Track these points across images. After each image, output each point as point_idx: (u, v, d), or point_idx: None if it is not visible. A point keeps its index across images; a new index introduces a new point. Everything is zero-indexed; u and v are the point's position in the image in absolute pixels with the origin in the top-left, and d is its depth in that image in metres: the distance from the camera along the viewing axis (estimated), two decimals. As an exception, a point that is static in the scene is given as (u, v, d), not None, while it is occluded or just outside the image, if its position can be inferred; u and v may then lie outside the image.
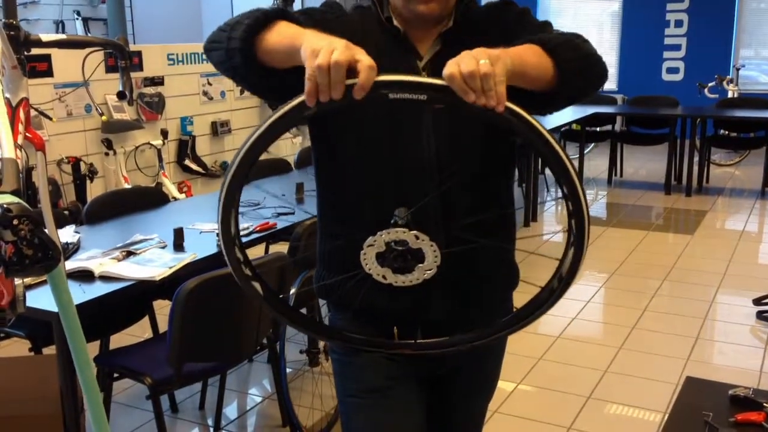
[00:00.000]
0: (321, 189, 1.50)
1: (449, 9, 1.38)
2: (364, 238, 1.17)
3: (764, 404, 1.73)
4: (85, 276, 2.35)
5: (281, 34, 1.22)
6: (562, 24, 10.42)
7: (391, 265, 1.16)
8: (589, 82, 1.32)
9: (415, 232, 1.13)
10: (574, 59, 1.26)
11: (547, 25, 1.44)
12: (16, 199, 0.90)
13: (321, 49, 1.05)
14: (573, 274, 1.12)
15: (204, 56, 6.28)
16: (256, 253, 3.22)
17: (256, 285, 1.24)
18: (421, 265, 1.16)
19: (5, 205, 0.88)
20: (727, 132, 7.55)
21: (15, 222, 0.88)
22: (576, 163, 7.02)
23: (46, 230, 0.91)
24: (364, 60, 1.04)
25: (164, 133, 5.20)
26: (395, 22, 1.39)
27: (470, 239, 1.31)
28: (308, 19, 1.37)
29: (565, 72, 1.24)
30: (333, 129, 1.42)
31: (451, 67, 1.06)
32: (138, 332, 3.29)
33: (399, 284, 1.18)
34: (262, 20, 1.24)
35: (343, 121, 1.38)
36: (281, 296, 1.40)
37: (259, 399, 3.30)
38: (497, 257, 1.47)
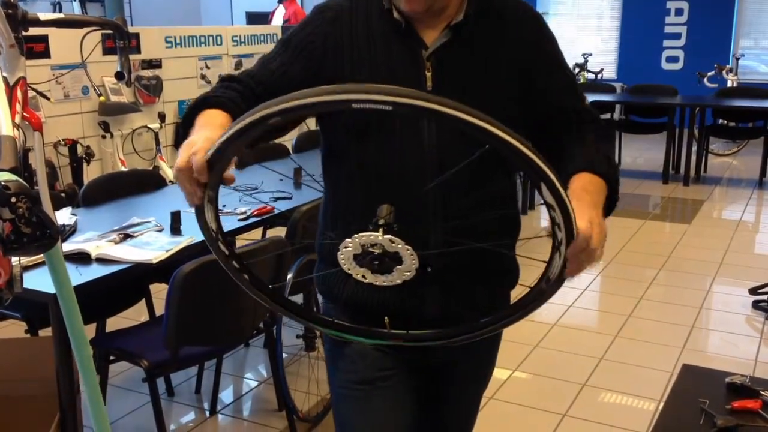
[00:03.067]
0: (325, 183, 1.51)
1: (445, 3, 1.35)
2: (354, 234, 1.17)
3: (761, 392, 1.73)
4: (81, 258, 2.34)
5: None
6: (562, 12, 10.37)
7: (369, 266, 1.16)
8: None
9: (389, 236, 1.12)
10: (617, 194, 1.34)
11: (574, 83, 1.48)
12: (13, 177, 0.89)
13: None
14: (562, 278, 1.13)
15: (202, 39, 6.24)
16: (253, 237, 3.22)
17: (245, 277, 1.24)
18: (399, 266, 1.15)
19: (3, 183, 0.87)
20: (725, 122, 7.55)
21: (13, 200, 0.87)
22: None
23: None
24: (196, 149, 1.07)
25: (162, 117, 5.18)
26: (395, 14, 1.37)
27: (467, 242, 1.31)
28: (284, 48, 1.41)
29: (612, 206, 1.32)
30: (334, 128, 1.42)
31: (588, 229, 1.10)
32: (134, 315, 3.29)
33: (379, 284, 1.18)
34: (188, 119, 1.28)
35: (343, 120, 1.38)
36: (271, 286, 1.39)
37: (255, 383, 3.30)
38: (497, 257, 1.47)
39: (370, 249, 1.13)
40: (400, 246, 1.12)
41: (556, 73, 1.44)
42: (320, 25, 1.40)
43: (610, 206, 1.31)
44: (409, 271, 1.15)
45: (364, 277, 1.17)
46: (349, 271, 1.17)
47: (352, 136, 1.39)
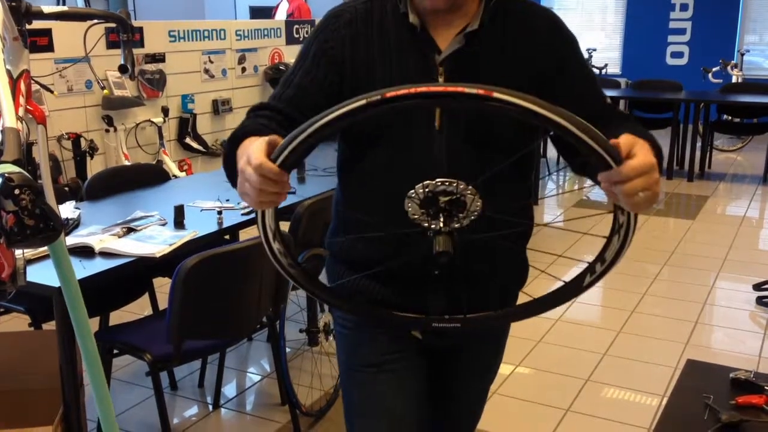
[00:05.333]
0: (341, 186, 1.51)
1: (463, 2, 1.35)
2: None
3: (765, 387, 1.73)
4: (85, 252, 2.34)
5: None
6: (567, 7, 10.33)
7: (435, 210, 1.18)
8: None
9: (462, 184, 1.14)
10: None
11: (596, 81, 1.48)
12: (17, 169, 0.88)
13: (243, 186, 1.12)
14: (614, 262, 1.19)
15: (205, 33, 6.21)
16: (256, 232, 3.21)
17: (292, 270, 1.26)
18: (462, 212, 1.17)
19: (6, 175, 0.86)
20: (730, 117, 7.53)
21: (16, 192, 0.86)
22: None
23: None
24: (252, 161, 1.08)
25: (165, 111, 5.18)
26: (411, 18, 1.36)
27: (482, 241, 1.30)
28: (303, 60, 1.41)
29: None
30: (353, 132, 1.41)
31: (656, 187, 1.11)
32: (137, 310, 3.29)
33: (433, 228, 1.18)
34: (229, 153, 1.28)
35: (360, 124, 1.38)
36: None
37: (258, 378, 3.30)
38: (508, 257, 1.46)
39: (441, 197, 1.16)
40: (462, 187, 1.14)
41: (578, 73, 1.42)
42: (336, 29, 1.40)
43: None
44: (475, 211, 1.18)
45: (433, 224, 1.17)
46: (415, 217, 1.19)
47: (367, 140, 1.39)
